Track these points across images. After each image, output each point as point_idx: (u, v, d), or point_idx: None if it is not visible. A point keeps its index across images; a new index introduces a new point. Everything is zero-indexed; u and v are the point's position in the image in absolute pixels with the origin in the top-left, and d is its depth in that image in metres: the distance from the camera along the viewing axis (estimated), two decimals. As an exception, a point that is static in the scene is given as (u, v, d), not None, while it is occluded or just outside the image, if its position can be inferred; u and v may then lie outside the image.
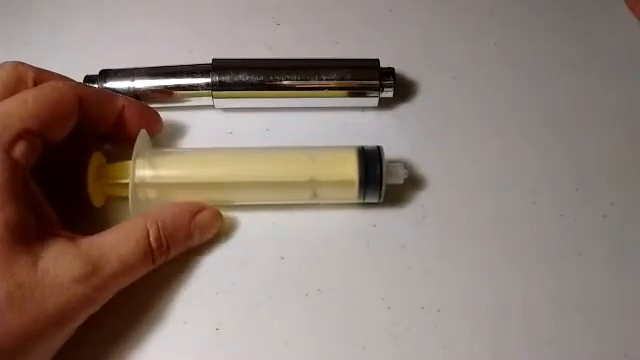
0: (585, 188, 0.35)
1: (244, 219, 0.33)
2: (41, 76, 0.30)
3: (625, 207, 0.34)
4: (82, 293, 0.26)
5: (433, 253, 0.32)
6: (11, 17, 0.42)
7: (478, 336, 0.30)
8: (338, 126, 0.37)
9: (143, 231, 0.28)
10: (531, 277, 0.31)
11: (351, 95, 0.36)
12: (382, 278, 0.31)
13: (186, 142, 0.36)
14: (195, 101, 0.36)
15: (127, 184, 0.30)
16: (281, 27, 0.42)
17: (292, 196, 0.32)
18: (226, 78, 0.35)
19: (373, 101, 0.36)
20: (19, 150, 0.26)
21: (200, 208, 0.31)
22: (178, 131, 0.36)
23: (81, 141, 0.31)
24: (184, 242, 0.30)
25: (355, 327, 0.30)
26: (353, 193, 0.32)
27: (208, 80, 0.35)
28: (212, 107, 0.36)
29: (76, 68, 0.35)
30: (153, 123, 0.34)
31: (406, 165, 0.33)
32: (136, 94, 0.35)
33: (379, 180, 0.31)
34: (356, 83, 0.36)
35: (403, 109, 0.38)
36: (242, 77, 0.35)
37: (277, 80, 0.35)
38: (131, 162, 0.30)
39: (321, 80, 0.35)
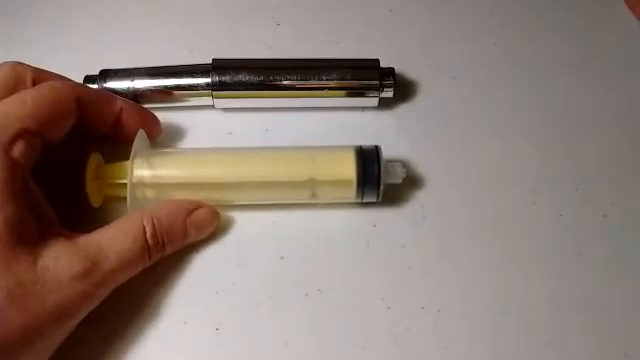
0: (585, 188, 0.35)
1: (244, 219, 0.33)
2: (40, 76, 0.30)
3: (625, 207, 0.34)
4: (81, 290, 0.26)
5: (433, 253, 0.32)
6: (11, 17, 0.42)
7: (478, 336, 0.30)
8: (338, 126, 0.37)
9: (140, 228, 0.28)
10: (531, 277, 0.31)
11: (351, 95, 0.36)
12: (382, 278, 0.31)
13: (186, 142, 0.36)
14: (195, 101, 0.36)
15: (125, 184, 0.30)
16: (281, 27, 0.42)
17: (291, 196, 0.32)
18: (226, 78, 0.35)
19: (373, 101, 0.36)
20: (18, 150, 0.26)
21: (197, 206, 0.31)
22: (178, 131, 0.36)
23: (80, 141, 0.31)
24: (180, 239, 0.30)
25: (355, 327, 0.30)
26: (351, 192, 0.32)
27: (208, 80, 0.35)
28: (212, 107, 0.36)
29: (76, 68, 0.35)
30: (151, 126, 0.34)
31: (405, 165, 0.33)
32: (136, 94, 0.35)
33: (377, 179, 0.31)
34: (356, 83, 0.36)
35: (403, 109, 0.38)
36: (242, 77, 0.35)
37: (277, 80, 0.35)
38: (129, 162, 0.30)
39: (321, 80, 0.35)
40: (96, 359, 0.29)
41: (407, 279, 0.31)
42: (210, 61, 0.36)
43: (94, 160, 0.31)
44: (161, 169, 0.31)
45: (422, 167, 0.35)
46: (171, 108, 0.36)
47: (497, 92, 0.38)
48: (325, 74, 0.35)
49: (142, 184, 0.31)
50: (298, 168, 0.32)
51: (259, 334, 0.30)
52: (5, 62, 0.30)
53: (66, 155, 0.30)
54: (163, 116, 0.35)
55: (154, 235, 0.29)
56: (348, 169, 0.31)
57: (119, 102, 0.32)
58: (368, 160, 0.31)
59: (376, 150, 0.32)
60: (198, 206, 0.31)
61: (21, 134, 0.26)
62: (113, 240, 0.27)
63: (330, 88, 0.35)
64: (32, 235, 0.26)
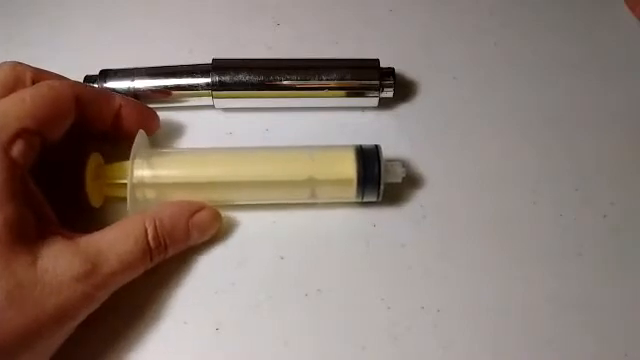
0: (585, 188, 0.35)
1: (243, 219, 0.33)
2: (39, 76, 0.30)
3: (625, 207, 0.34)
4: (81, 291, 0.26)
5: (433, 253, 0.32)
6: (11, 17, 0.42)
7: (478, 336, 0.30)
8: (338, 126, 0.37)
9: (141, 230, 0.28)
10: (531, 277, 0.31)
11: (351, 95, 0.36)
12: (382, 278, 0.31)
13: (186, 142, 0.36)
14: (195, 101, 0.36)
15: (125, 184, 0.30)
16: (281, 27, 0.42)
17: (291, 195, 0.32)
18: (226, 78, 0.35)
19: (373, 101, 0.36)
20: (17, 149, 0.26)
21: (199, 207, 0.31)
22: (178, 131, 0.36)
23: (79, 141, 0.31)
24: (182, 241, 0.30)
25: (355, 327, 0.30)
26: (352, 192, 0.32)
27: (208, 80, 0.35)
28: (212, 107, 0.36)
29: (76, 68, 0.35)
30: (150, 121, 0.34)
31: (405, 165, 0.33)
32: (136, 94, 0.35)
33: (377, 178, 0.31)
34: (356, 83, 0.36)
35: (403, 109, 0.38)
36: (242, 77, 0.35)
37: (277, 80, 0.35)
38: (129, 162, 0.30)
39: (321, 80, 0.35)
40: (97, 359, 0.29)
41: (407, 279, 0.31)
42: (210, 61, 0.36)
43: (94, 160, 0.31)
44: (161, 169, 0.31)
45: (422, 167, 0.35)
46: (171, 108, 0.36)
47: (497, 92, 0.38)
48: (325, 74, 0.35)
49: (142, 184, 0.31)
50: (298, 168, 0.32)
51: (259, 334, 0.30)
52: (5, 62, 0.30)
53: (66, 155, 0.30)
54: (163, 116, 0.35)
55: (156, 237, 0.29)
56: (348, 168, 0.31)
57: (118, 99, 0.32)
58: (368, 159, 0.31)
59: (376, 149, 0.32)
60: (200, 208, 0.31)
61: (20, 134, 0.26)
62: (114, 241, 0.27)
63: (330, 88, 0.35)
64: (31, 235, 0.25)
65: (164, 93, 0.36)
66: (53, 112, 0.28)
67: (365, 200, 0.32)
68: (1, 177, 0.25)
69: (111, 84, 0.35)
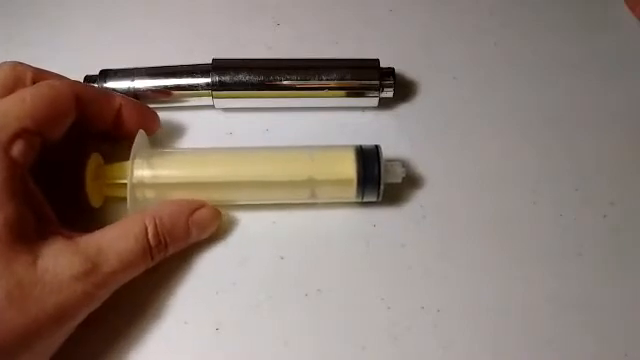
0: (585, 188, 0.35)
1: (244, 219, 0.33)
2: (39, 76, 0.30)
3: (625, 207, 0.34)
4: (82, 290, 0.26)
5: (433, 253, 0.32)
6: (11, 17, 0.42)
7: (478, 336, 0.30)
8: (338, 126, 0.37)
9: (141, 228, 0.28)
10: (531, 277, 0.31)
11: (351, 95, 0.36)
12: (382, 278, 0.31)
13: (186, 142, 0.36)
14: (195, 101, 0.36)
15: (125, 184, 0.30)
16: (281, 27, 0.42)
17: (291, 195, 0.32)
18: (226, 78, 0.35)
19: (373, 101, 0.36)
20: (17, 149, 0.26)
21: (198, 206, 0.31)
22: (178, 131, 0.36)
23: (79, 141, 0.31)
24: (182, 240, 0.30)
25: (355, 327, 0.30)
26: (352, 192, 0.32)
27: (208, 80, 0.35)
28: (212, 107, 0.36)
29: (76, 68, 0.35)
30: (151, 121, 0.34)
31: (405, 164, 0.33)
32: (136, 94, 0.35)
33: (377, 178, 0.31)
34: (356, 83, 0.36)
35: (403, 109, 0.38)
36: (242, 77, 0.35)
37: (277, 80, 0.35)
38: (129, 162, 0.30)
39: (321, 80, 0.35)
40: (97, 359, 0.29)
41: (407, 279, 0.31)
42: (210, 61, 0.36)
43: (94, 160, 0.31)
44: (161, 169, 0.31)
45: (422, 167, 0.35)
46: (171, 108, 0.36)
47: (497, 92, 0.39)
48: (325, 74, 0.35)
49: (142, 184, 0.31)
50: (298, 168, 0.32)
51: (259, 334, 0.30)
52: (5, 62, 0.30)
53: (66, 155, 0.30)
54: (163, 116, 0.35)
55: (156, 235, 0.29)
56: (348, 168, 0.31)
57: (118, 99, 0.32)
58: (368, 159, 0.31)
59: (376, 149, 0.32)
60: (200, 206, 0.31)
61: (20, 133, 0.26)
62: (114, 240, 0.27)
63: (330, 88, 0.35)
64: (31, 234, 0.25)
65: (164, 93, 0.36)
66: (53, 112, 0.28)
67: (365, 200, 0.32)
68: (1, 177, 0.25)
69: (111, 84, 0.35)
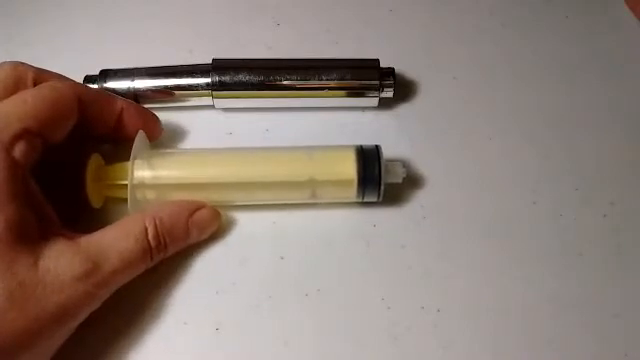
0: (585, 188, 0.35)
1: (244, 219, 0.33)
2: (40, 76, 0.30)
3: (625, 207, 0.34)
4: (83, 291, 0.26)
5: (433, 253, 0.32)
6: (11, 17, 0.42)
7: (478, 336, 0.30)
8: (338, 126, 0.37)
9: (142, 228, 0.28)
10: (531, 277, 0.31)
11: (351, 95, 0.36)
12: (382, 278, 0.31)
13: (186, 142, 0.36)
14: (195, 101, 0.36)
15: (126, 185, 0.30)
16: (281, 27, 0.42)
17: (291, 196, 0.32)
18: (226, 78, 0.35)
19: (373, 101, 0.36)
20: (19, 150, 0.26)
21: (198, 206, 0.31)
22: (178, 131, 0.36)
23: (80, 142, 0.31)
24: (182, 240, 0.30)
25: (355, 327, 0.30)
26: (352, 192, 0.32)
27: (208, 80, 0.35)
28: (212, 107, 0.36)
29: (76, 68, 0.35)
30: (152, 127, 0.34)
31: (405, 164, 0.33)
32: (136, 94, 0.35)
33: (378, 179, 0.31)
34: (356, 83, 0.36)
35: (403, 109, 0.38)
36: (242, 77, 0.35)
37: (277, 80, 0.35)
38: (130, 163, 0.30)
39: (321, 80, 0.35)
40: (97, 359, 0.29)
41: (407, 279, 0.31)
42: (210, 61, 0.36)
43: (94, 161, 0.31)
44: (161, 170, 0.31)
45: (422, 167, 0.35)
46: (171, 108, 0.36)
47: (497, 92, 0.39)
48: (325, 74, 0.35)
49: (143, 185, 0.31)
50: (298, 168, 0.32)
51: (259, 334, 0.30)
52: (6, 62, 0.30)
53: (67, 156, 0.30)
54: (163, 116, 0.35)
55: (156, 235, 0.29)
56: (349, 168, 0.31)
57: (120, 102, 0.32)
58: (368, 159, 0.31)
59: (376, 149, 0.32)
60: (200, 206, 0.31)
61: (22, 134, 0.26)
62: (115, 240, 0.27)
63: (330, 88, 0.35)
64: (33, 235, 0.25)
65: (164, 93, 0.36)
66: (55, 113, 0.28)
67: (365, 200, 0.32)
68: (2, 177, 0.25)
69: (111, 84, 0.35)
